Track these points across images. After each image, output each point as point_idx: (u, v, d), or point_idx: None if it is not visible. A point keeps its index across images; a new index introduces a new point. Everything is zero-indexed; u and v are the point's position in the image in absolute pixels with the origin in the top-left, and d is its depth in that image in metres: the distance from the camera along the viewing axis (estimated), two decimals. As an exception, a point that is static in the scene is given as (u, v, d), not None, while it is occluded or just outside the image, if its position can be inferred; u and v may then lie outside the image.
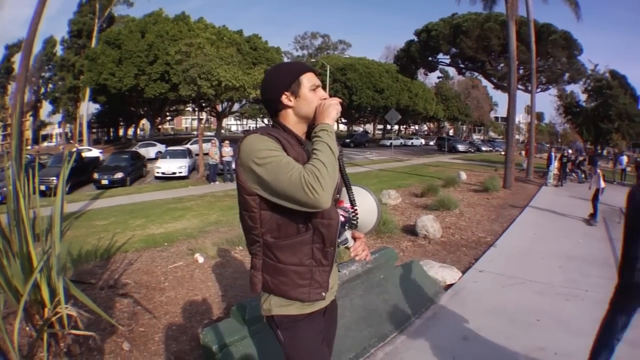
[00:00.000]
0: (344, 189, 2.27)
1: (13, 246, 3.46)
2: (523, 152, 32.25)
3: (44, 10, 11.28)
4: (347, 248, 2.23)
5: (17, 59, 54.37)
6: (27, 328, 3.59)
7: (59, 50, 61.96)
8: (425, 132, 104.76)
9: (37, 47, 57.99)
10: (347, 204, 2.19)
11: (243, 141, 1.98)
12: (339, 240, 2.08)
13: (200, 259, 6.94)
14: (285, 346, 2.16)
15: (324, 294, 2.11)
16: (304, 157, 1.97)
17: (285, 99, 2.08)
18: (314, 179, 1.74)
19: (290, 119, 2.11)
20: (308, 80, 2.09)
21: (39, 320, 3.53)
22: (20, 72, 11.35)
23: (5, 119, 57.53)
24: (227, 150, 20.30)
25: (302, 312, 2.10)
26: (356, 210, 2.19)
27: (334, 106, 2.03)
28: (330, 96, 2.11)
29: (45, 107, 66.72)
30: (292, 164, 1.82)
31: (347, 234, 2.18)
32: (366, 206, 2.32)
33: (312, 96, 2.08)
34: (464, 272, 6.65)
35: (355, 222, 2.18)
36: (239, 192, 2.05)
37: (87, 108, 55.80)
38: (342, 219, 2.07)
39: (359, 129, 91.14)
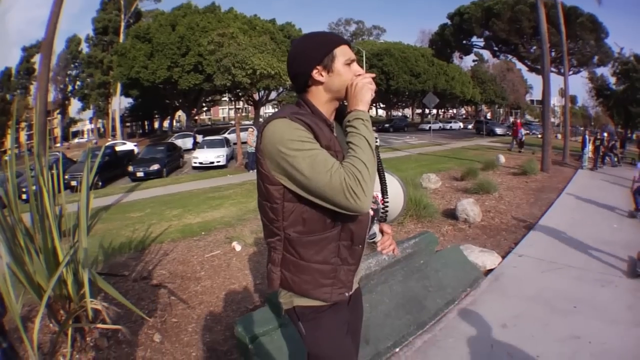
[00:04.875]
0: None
1: (36, 242, 3.43)
2: (559, 135, 31.52)
3: (62, 10, 11.41)
4: (374, 243, 2.08)
5: (37, 59, 55.36)
6: (51, 325, 3.56)
7: (84, 47, 63.15)
8: (463, 116, 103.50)
9: (59, 46, 59.69)
10: (376, 193, 2.00)
11: (268, 126, 1.76)
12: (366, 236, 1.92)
13: (238, 247, 6.89)
14: (307, 339, 2.02)
15: (347, 294, 1.97)
16: (335, 143, 1.78)
17: (316, 74, 1.86)
18: (356, 183, 1.59)
19: (319, 97, 1.90)
20: (343, 53, 1.87)
21: (64, 316, 3.50)
22: (41, 72, 11.46)
23: (30, 118, 58.63)
24: None
25: (326, 302, 1.94)
26: (386, 202, 2.02)
27: (367, 87, 1.81)
28: None
29: (74, 104, 68.45)
30: (329, 160, 1.65)
31: (375, 227, 2.02)
32: (392, 193, 2.12)
33: (346, 71, 1.86)
34: (503, 257, 6.49)
35: (384, 214, 2.01)
36: (259, 180, 1.85)
37: (119, 103, 56.80)
38: (371, 212, 1.89)
39: (398, 113, 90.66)
